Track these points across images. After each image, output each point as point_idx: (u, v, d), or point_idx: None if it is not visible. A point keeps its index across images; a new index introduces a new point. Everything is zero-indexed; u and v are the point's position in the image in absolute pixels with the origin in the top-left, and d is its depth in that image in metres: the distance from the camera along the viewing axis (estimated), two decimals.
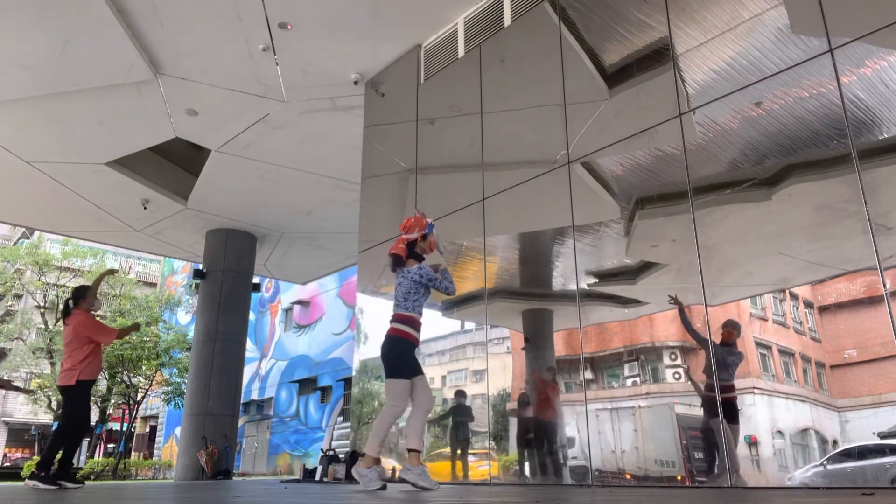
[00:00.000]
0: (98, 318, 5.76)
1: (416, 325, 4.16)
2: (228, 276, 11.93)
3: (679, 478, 4.11)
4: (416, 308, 4.16)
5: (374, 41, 6.95)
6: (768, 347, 3.91)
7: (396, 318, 4.13)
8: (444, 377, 5.91)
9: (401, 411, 4.01)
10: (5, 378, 6.27)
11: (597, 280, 4.86)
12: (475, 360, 5.61)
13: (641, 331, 4.53)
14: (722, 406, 3.87)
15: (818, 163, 3.81)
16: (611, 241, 4.83)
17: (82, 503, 2.96)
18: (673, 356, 4.33)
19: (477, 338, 5.68)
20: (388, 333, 4.13)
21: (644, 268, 4.59)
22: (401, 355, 4.06)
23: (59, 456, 5.38)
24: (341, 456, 6.64)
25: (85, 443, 25.66)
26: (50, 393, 21.75)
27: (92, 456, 23.68)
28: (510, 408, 5.26)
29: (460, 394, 5.65)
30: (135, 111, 8.17)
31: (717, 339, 4.02)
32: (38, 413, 26.09)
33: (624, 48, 5.05)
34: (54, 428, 5.65)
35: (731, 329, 3.96)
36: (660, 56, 4.77)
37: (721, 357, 3.94)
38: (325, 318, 21.29)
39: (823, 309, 3.71)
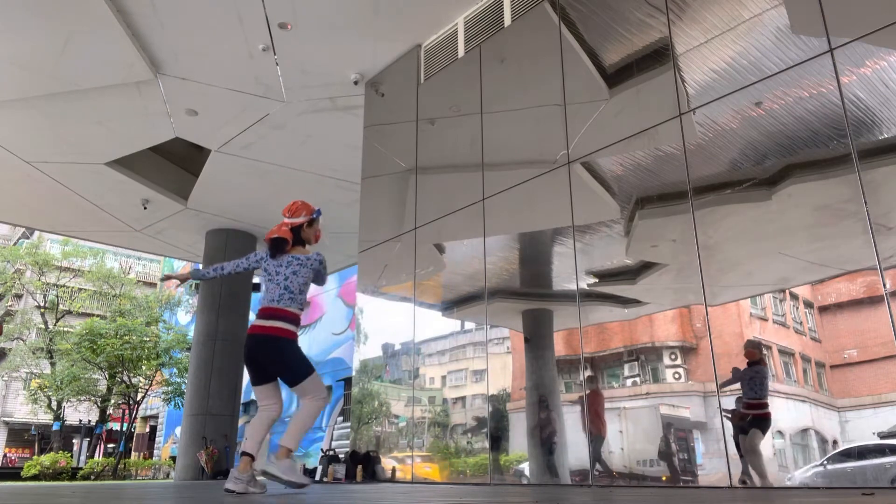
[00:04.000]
0: None
1: (299, 325, 3.73)
2: (228, 276, 11.91)
3: (664, 478, 4.14)
4: (303, 303, 3.75)
5: (374, 41, 6.95)
6: (768, 347, 3.91)
7: (283, 316, 3.62)
8: (444, 377, 5.91)
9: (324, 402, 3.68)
10: None
11: (597, 280, 4.86)
12: (475, 360, 5.61)
13: (641, 331, 4.53)
14: (757, 420, 3.82)
15: (818, 163, 3.81)
16: (611, 241, 4.83)
17: (82, 503, 2.96)
18: (673, 356, 4.33)
19: (477, 338, 5.68)
20: (275, 334, 3.60)
21: (644, 268, 4.59)
22: (301, 354, 3.68)
23: None
24: (341, 456, 6.64)
25: (85, 443, 25.70)
26: (50, 393, 21.76)
27: (92, 456, 23.69)
28: (516, 407, 5.25)
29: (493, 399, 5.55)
30: (135, 111, 8.18)
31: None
32: (37, 413, 26.09)
33: (624, 48, 5.05)
34: None
35: (752, 349, 3.92)
36: (660, 56, 4.77)
37: (751, 376, 3.90)
38: (325, 318, 21.29)
39: (823, 309, 3.72)
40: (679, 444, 4.22)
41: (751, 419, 3.82)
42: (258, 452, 3.59)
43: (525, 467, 5.02)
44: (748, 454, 3.81)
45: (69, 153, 9.22)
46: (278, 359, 3.61)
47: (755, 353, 3.89)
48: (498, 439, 5.26)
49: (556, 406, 4.93)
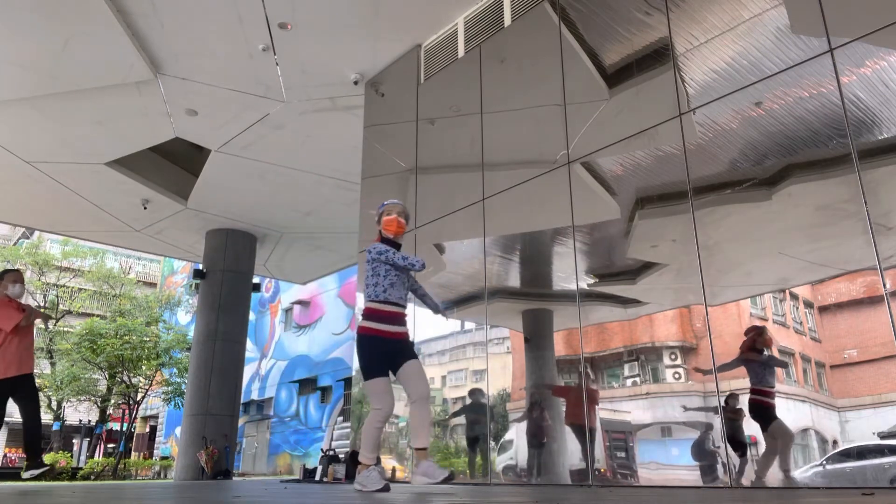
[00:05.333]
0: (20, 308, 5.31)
1: (379, 316, 3.79)
2: (228, 276, 11.93)
3: (603, 470, 4.41)
4: (378, 295, 3.81)
5: (374, 41, 6.95)
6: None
7: (362, 313, 3.90)
8: (444, 377, 5.91)
9: (384, 414, 3.70)
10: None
11: (597, 280, 4.86)
12: (475, 360, 5.61)
13: (641, 331, 4.53)
14: (772, 413, 3.79)
15: (818, 163, 3.81)
16: (611, 241, 4.83)
17: (82, 503, 2.96)
18: (673, 356, 4.33)
19: (477, 338, 5.68)
20: None
21: (644, 268, 4.59)
22: (361, 354, 3.78)
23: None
24: (341, 456, 6.64)
25: (85, 443, 25.70)
26: (50, 393, 21.75)
27: (92, 456, 23.69)
28: (516, 407, 5.25)
29: (475, 392, 5.58)
30: (135, 111, 8.18)
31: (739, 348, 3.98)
32: None
33: (624, 48, 5.05)
34: None
35: (768, 335, 3.87)
36: (660, 56, 4.77)
37: (773, 363, 3.85)
38: (325, 318, 21.30)
39: (823, 309, 3.71)
40: (618, 444, 4.50)
41: (767, 412, 3.76)
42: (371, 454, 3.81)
43: (525, 467, 5.02)
44: (785, 452, 3.70)
45: (69, 153, 9.23)
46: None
47: (771, 340, 3.86)
48: (497, 439, 5.25)
49: (556, 406, 4.94)
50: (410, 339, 4.02)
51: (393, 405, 3.77)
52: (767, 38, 4.20)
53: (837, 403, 3.53)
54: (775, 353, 3.88)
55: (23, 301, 5.52)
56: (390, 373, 3.82)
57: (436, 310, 4.37)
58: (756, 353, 3.89)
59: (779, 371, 3.87)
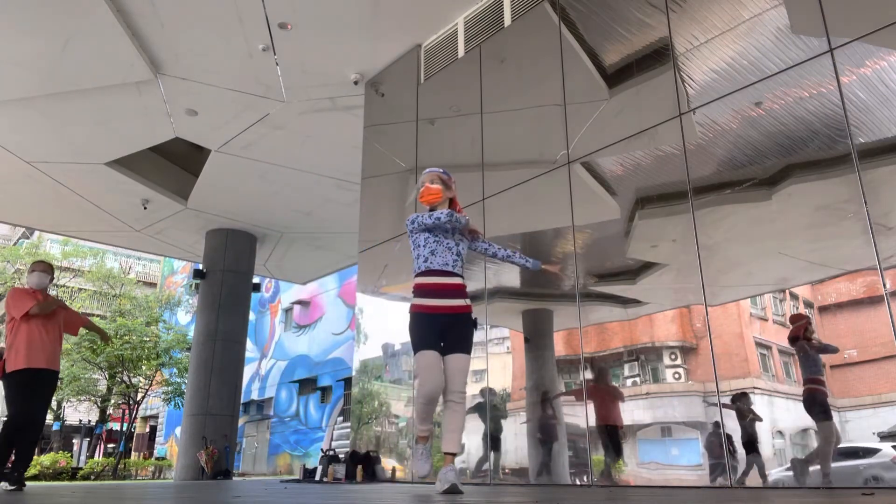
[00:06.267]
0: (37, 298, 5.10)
1: (421, 291, 3.47)
2: (228, 276, 11.93)
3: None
4: (419, 266, 3.52)
5: (374, 41, 6.95)
6: (768, 347, 3.91)
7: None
8: None
9: (424, 391, 3.32)
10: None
11: (597, 280, 4.86)
12: (475, 360, 5.60)
13: (641, 331, 4.53)
14: (826, 399, 3.62)
15: (818, 163, 3.81)
16: (611, 241, 4.83)
17: (82, 503, 2.96)
18: (673, 356, 4.33)
19: (477, 338, 5.67)
20: None
21: (644, 268, 4.59)
22: (410, 333, 3.46)
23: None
24: (341, 456, 6.64)
25: (85, 443, 25.70)
26: None
27: (92, 456, 23.69)
28: (516, 407, 5.25)
29: (480, 392, 5.56)
30: (135, 111, 8.18)
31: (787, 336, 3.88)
32: None
33: (624, 48, 5.05)
34: None
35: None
36: (660, 56, 4.77)
37: (829, 350, 3.71)
38: (325, 318, 21.29)
39: (823, 309, 3.71)
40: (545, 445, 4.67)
41: (826, 401, 3.60)
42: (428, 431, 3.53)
43: (525, 467, 5.02)
44: (828, 453, 3.51)
45: (69, 153, 9.23)
46: None
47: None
48: (497, 439, 5.26)
49: (556, 406, 4.93)
50: (469, 314, 3.55)
51: (439, 383, 3.31)
52: (767, 38, 4.20)
53: (837, 403, 3.53)
54: (776, 363, 3.87)
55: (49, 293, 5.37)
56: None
57: (530, 265, 3.82)
58: (807, 341, 3.80)
59: (779, 375, 3.86)
